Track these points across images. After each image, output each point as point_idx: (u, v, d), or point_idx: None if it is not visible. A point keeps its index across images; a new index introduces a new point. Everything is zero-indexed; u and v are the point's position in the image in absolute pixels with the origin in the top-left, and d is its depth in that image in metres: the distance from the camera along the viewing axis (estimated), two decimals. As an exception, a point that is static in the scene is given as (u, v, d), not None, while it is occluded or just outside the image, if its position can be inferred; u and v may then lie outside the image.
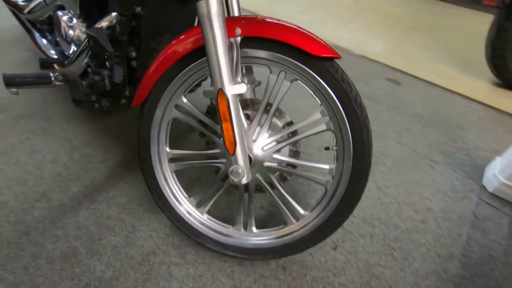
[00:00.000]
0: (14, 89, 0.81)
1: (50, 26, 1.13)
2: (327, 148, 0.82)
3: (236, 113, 0.64)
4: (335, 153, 0.76)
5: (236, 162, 0.66)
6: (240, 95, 0.85)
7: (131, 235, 0.95)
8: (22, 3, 1.17)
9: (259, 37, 0.68)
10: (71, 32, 0.99)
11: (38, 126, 1.30)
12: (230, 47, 0.70)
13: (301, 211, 0.83)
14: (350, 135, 0.72)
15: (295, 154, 0.86)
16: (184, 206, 0.88)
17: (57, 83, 0.87)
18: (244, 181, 0.68)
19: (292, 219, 0.83)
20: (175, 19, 0.90)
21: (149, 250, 0.92)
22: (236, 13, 0.81)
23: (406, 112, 1.53)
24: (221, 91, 0.62)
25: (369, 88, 1.69)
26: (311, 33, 0.69)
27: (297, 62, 0.69)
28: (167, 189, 0.86)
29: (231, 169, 0.67)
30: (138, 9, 0.80)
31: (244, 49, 0.70)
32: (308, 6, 2.62)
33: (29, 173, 1.11)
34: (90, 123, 1.34)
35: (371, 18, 2.54)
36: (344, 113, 0.71)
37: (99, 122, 1.35)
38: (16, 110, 1.37)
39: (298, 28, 0.69)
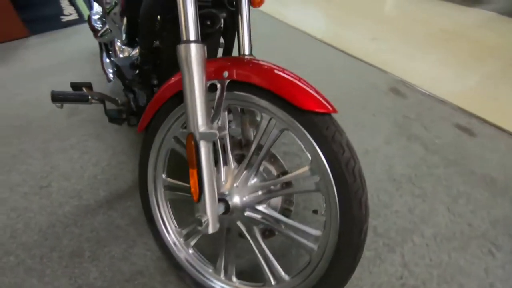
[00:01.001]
0: (58, 104, 0.97)
1: (112, 50, 1.32)
2: (315, 211, 0.72)
3: (206, 160, 0.61)
4: (324, 220, 0.65)
5: (201, 211, 0.63)
6: (232, 137, 0.82)
7: (129, 250, 1.01)
8: (98, 27, 1.40)
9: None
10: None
11: (95, 131, 1.51)
12: (219, 89, 0.68)
13: (282, 274, 0.73)
14: (337, 205, 0.60)
15: (285, 212, 0.78)
16: (172, 236, 0.88)
17: (94, 101, 1.00)
18: (210, 231, 0.63)
19: (272, 279, 0.75)
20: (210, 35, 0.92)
21: (138, 269, 0.95)
22: (246, 52, 0.79)
23: (472, 172, 1.22)
24: (190, 135, 0.60)
25: (430, 134, 1.42)
26: (303, 82, 0.62)
27: (284, 112, 0.62)
28: (158, 215, 0.88)
29: (195, 216, 0.63)
30: (157, 43, 0.85)
31: (234, 92, 0.67)
32: (381, 31, 2.41)
33: (75, 171, 1.30)
34: (133, 133, 1.50)
35: (458, 49, 2.17)
36: (333, 178, 0.60)
37: (141, 134, 1.50)
38: (85, 115, 1.63)
39: (290, 76, 0.62)
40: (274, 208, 0.77)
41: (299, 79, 0.63)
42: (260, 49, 2.33)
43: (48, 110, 1.68)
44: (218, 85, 0.67)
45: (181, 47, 0.57)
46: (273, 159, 0.79)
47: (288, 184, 0.75)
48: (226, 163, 0.76)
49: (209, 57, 0.95)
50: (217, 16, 0.83)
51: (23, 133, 1.53)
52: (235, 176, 0.74)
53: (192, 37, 0.57)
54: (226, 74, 0.66)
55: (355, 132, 1.47)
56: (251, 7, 0.94)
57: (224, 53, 1.00)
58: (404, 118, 1.55)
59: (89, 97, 0.98)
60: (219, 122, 0.67)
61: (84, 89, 0.96)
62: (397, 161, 1.30)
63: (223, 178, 0.75)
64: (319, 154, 0.60)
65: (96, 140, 1.46)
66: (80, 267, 0.96)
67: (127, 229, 1.07)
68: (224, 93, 0.66)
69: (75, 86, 0.96)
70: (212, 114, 0.68)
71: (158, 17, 0.85)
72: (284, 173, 0.78)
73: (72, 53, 2.30)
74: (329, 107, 0.61)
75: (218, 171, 0.76)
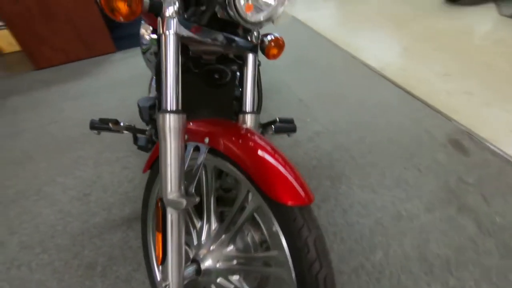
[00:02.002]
0: (95, 131, 1.11)
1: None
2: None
3: (172, 226, 0.61)
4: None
5: (164, 274, 0.63)
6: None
7: (132, 273, 1.08)
8: (144, 47, 1.55)
9: None
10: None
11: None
12: (201, 152, 0.68)
13: None
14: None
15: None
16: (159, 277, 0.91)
17: (124, 131, 1.12)
18: None
19: None
20: (207, 99, 0.95)
21: (134, 296, 1.01)
22: (247, 109, 0.77)
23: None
24: (159, 200, 0.61)
25: (489, 208, 1.15)
26: (285, 166, 0.57)
27: (256, 192, 0.59)
28: (153, 253, 0.92)
29: (159, 279, 0.64)
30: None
31: (216, 156, 0.66)
32: (457, 67, 2.07)
33: (113, 184, 1.46)
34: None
35: None
36: (295, 277, 0.54)
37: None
38: (136, 130, 1.83)
39: (271, 158, 0.58)
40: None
41: (283, 163, 0.58)
42: (308, 76, 2.26)
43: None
44: (201, 148, 0.67)
45: (160, 115, 0.59)
46: (256, 226, 0.75)
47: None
48: (209, 219, 0.75)
49: (224, 105, 0.98)
50: (225, 70, 0.84)
51: (86, 141, 1.79)
52: (213, 237, 0.73)
53: (171, 107, 0.59)
54: (207, 140, 0.66)
55: (391, 189, 1.29)
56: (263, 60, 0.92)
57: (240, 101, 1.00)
58: (458, 181, 1.30)
59: (122, 126, 1.10)
60: (192, 188, 0.67)
61: (110, 124, 1.08)
62: (435, 236, 1.10)
63: (203, 236, 0.75)
64: (283, 248, 0.55)
65: (137, 157, 1.62)
66: (90, 280, 1.07)
67: (137, 251, 1.15)
68: (203, 158, 0.66)
69: (104, 121, 1.09)
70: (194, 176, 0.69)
71: None
72: (263, 242, 0.73)
73: (144, 68, 2.62)
74: (304, 197, 0.54)
75: (200, 228, 0.75)
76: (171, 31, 0.57)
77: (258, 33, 0.76)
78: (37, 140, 1.85)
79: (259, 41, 0.77)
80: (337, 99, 1.92)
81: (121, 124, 1.10)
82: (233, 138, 0.63)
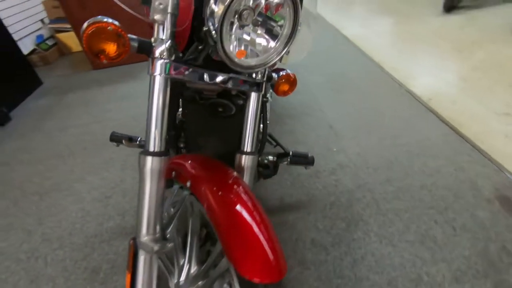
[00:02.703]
0: (114, 143, 1.17)
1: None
2: None
3: (143, 268, 0.60)
4: None
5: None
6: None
7: None
8: None
9: None
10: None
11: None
12: (182, 195, 0.66)
13: None
14: None
15: None
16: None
17: (142, 144, 1.16)
18: None
19: None
20: (213, 127, 0.93)
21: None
22: (246, 149, 0.73)
23: None
24: (133, 240, 0.60)
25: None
26: (259, 233, 0.52)
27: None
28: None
29: None
30: (179, 116, 0.91)
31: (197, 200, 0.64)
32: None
33: (132, 190, 1.53)
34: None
35: None
36: None
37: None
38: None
39: (246, 222, 0.54)
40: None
41: (259, 230, 0.53)
42: (344, 99, 2.12)
43: (142, 127, 2.05)
44: (184, 191, 0.65)
45: (140, 156, 0.58)
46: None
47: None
48: (190, 260, 0.73)
49: (231, 137, 0.95)
50: (228, 105, 0.82)
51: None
52: (191, 280, 0.70)
53: (152, 148, 0.58)
54: (188, 184, 0.64)
55: (414, 245, 1.14)
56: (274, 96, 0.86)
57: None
58: (502, 250, 1.10)
59: (138, 142, 1.15)
60: (169, 232, 0.65)
61: (123, 141, 1.13)
62: (459, 314, 0.93)
63: (182, 276, 0.73)
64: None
65: (159, 166, 1.68)
66: (92, 285, 1.12)
67: (138, 264, 1.18)
68: (183, 202, 0.64)
69: (113, 136, 1.14)
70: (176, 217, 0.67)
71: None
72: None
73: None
74: (274, 274, 0.49)
75: (181, 266, 0.73)
76: (159, 73, 0.56)
77: (265, 70, 0.72)
78: (80, 137, 2.03)
79: (265, 78, 0.73)
80: (371, 130, 1.77)
81: (137, 142, 1.14)
82: (214, 188, 0.60)
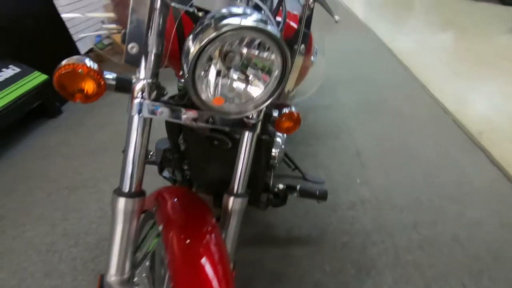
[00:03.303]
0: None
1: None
2: None
3: None
4: None
5: None
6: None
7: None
8: None
9: None
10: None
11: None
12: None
13: None
14: None
15: None
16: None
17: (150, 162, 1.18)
18: None
19: None
20: (212, 156, 0.90)
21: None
22: (237, 190, 0.69)
23: None
24: (100, 277, 0.59)
25: None
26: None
27: None
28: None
29: None
30: (181, 141, 0.90)
31: None
32: None
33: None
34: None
35: None
36: None
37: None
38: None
39: (209, 272, 0.50)
40: None
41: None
42: (377, 123, 1.94)
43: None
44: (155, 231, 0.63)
45: (113, 195, 0.57)
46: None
47: None
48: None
49: (228, 168, 0.92)
50: (224, 139, 0.78)
51: (146, 147, 2.00)
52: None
53: (126, 189, 0.57)
54: (161, 227, 0.61)
55: None
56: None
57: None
58: None
59: (149, 156, 1.17)
60: (136, 276, 0.63)
61: None
62: None
63: None
64: None
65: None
66: (94, 289, 1.17)
67: None
68: (153, 245, 0.62)
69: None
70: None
71: None
72: None
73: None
74: None
75: None
76: (135, 113, 0.54)
77: (260, 110, 0.67)
78: (114, 135, 2.16)
79: (261, 118, 0.67)
80: (403, 162, 1.60)
81: (148, 156, 1.17)
82: (182, 236, 0.57)
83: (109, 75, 0.53)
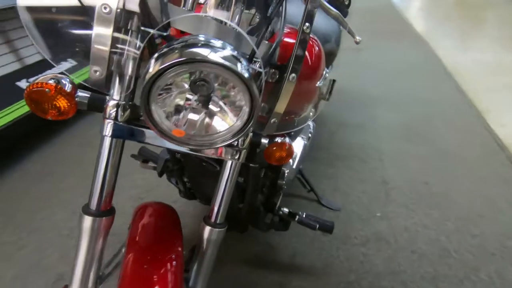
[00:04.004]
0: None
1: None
2: None
3: None
4: None
5: None
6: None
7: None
8: None
9: None
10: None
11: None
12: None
13: None
14: None
15: None
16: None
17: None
18: None
19: None
20: (204, 174, 0.88)
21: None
22: (215, 220, 0.66)
23: None
24: (64, 287, 0.61)
25: None
26: None
27: None
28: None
29: None
30: (179, 155, 0.89)
31: None
32: None
33: (162, 197, 1.61)
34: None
35: None
36: None
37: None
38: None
39: None
40: None
41: None
42: (415, 152, 1.72)
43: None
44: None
45: (80, 212, 0.57)
46: None
47: None
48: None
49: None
50: (210, 163, 0.75)
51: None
52: None
53: (94, 207, 0.57)
54: (123, 250, 0.60)
55: None
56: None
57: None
58: None
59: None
60: None
61: (139, 162, 1.17)
62: None
63: None
64: None
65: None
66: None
67: None
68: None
69: (143, 153, 1.17)
70: None
71: None
72: None
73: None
74: None
75: None
76: (106, 133, 0.54)
77: (247, 136, 0.62)
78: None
79: (247, 146, 0.62)
80: (436, 202, 1.41)
81: (149, 163, 1.18)
82: (140, 260, 0.56)
83: (83, 93, 0.53)
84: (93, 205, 0.57)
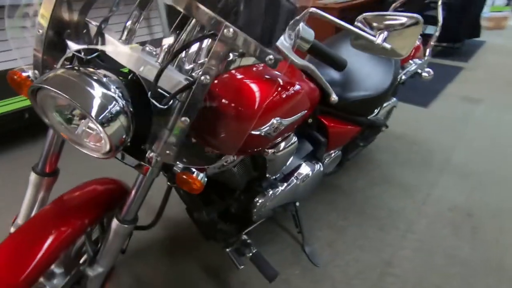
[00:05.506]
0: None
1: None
2: None
3: None
4: None
5: None
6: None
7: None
8: None
9: None
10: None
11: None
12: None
13: None
14: None
15: None
16: None
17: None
18: None
19: None
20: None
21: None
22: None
23: None
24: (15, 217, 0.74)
25: None
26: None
27: None
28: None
29: None
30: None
31: None
32: None
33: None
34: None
35: None
36: None
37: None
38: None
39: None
40: None
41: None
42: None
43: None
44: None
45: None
46: None
47: None
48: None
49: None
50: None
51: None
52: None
53: (39, 166, 0.70)
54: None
55: None
56: None
57: None
58: None
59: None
60: None
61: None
62: None
63: None
64: None
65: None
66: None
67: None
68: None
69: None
70: None
71: None
72: None
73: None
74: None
75: None
76: None
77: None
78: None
79: (159, 165, 0.58)
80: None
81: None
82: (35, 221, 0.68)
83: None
84: (40, 165, 0.69)
